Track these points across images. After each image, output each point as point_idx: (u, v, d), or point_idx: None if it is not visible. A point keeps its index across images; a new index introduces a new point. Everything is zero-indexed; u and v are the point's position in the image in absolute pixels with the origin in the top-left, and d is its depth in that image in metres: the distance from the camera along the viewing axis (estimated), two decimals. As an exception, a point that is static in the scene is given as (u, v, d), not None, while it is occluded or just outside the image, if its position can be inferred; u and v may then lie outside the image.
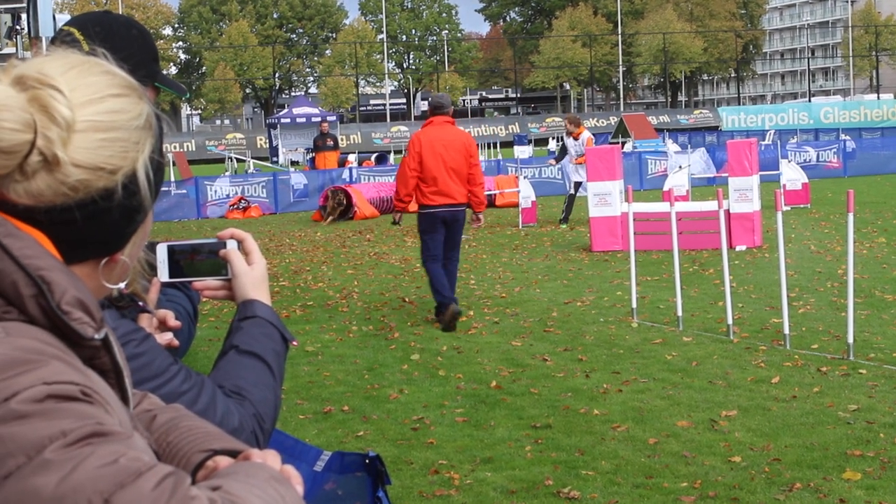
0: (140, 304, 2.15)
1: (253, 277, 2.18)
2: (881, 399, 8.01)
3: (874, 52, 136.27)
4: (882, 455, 6.72)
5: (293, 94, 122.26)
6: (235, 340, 2.14)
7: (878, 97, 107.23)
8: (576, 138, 22.20)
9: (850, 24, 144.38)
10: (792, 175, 24.78)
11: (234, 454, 1.57)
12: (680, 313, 11.22)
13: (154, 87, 2.74)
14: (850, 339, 9.39)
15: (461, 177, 11.94)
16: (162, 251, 2.18)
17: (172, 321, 2.28)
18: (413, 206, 12.44)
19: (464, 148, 12.01)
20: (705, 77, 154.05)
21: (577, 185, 22.30)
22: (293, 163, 49.03)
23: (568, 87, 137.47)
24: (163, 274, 2.19)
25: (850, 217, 9.40)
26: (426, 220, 12.01)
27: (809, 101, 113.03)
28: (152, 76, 2.71)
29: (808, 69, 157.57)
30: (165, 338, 2.24)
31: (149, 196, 1.54)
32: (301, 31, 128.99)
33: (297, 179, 31.04)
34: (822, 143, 40.40)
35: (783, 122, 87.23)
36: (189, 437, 1.66)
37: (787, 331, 10.03)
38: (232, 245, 2.19)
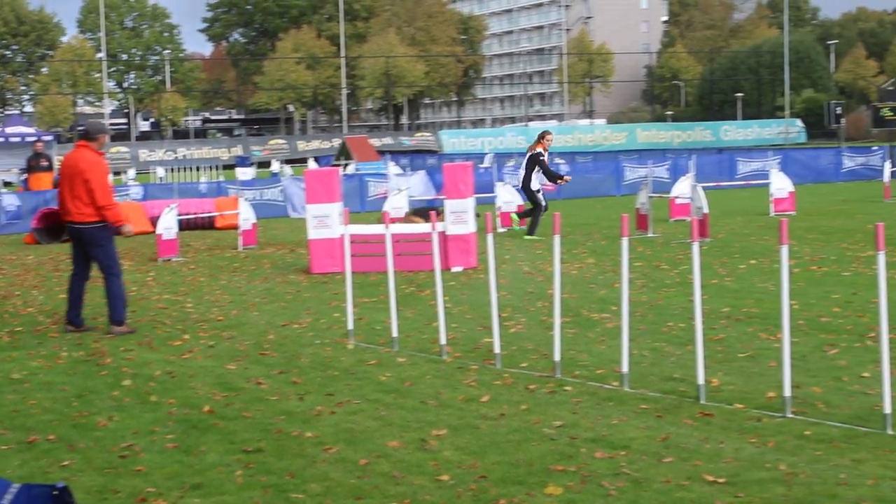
0: None
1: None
2: (584, 415, 8.29)
3: (587, 79, 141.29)
4: (583, 469, 6.95)
5: (7, 112, 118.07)
6: None
7: (592, 122, 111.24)
8: (545, 148, 23.17)
9: (564, 52, 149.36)
10: (507, 197, 25.43)
11: None
12: (395, 334, 11.35)
13: None
14: (557, 358, 9.69)
15: (80, 198, 12.83)
16: None
17: None
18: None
19: (79, 172, 12.84)
20: (427, 100, 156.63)
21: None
22: (6, 184, 47.43)
23: (292, 108, 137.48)
24: None
25: (557, 239, 9.72)
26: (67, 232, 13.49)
27: (527, 125, 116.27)
28: None
29: (526, 94, 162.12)
30: None
31: None
32: (16, 47, 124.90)
33: (10, 201, 30.02)
34: (538, 166, 41.53)
35: (502, 146, 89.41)
36: None
37: (497, 350, 10.28)
38: None
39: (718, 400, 8.59)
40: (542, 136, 23.51)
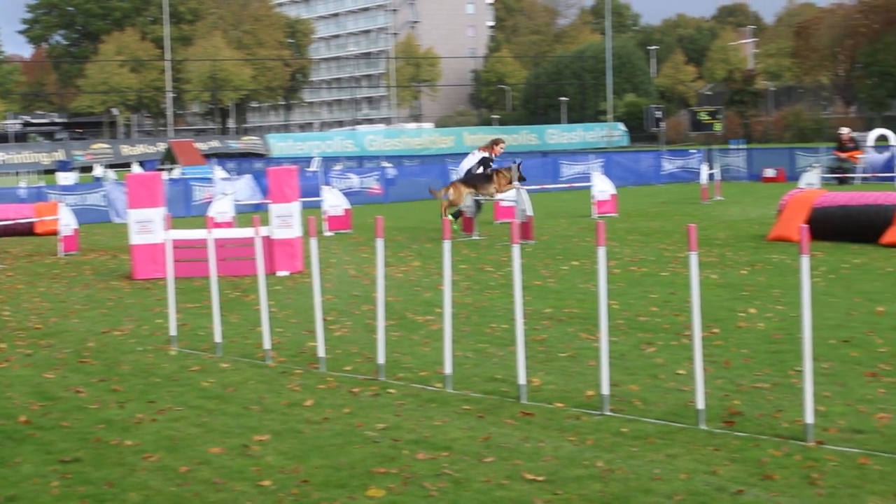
0: None
1: None
2: (407, 417, 8.33)
3: (415, 83, 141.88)
4: (405, 471, 6.98)
5: None
6: None
7: (419, 126, 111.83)
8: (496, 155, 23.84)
9: (391, 56, 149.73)
10: (334, 201, 25.42)
11: None
12: (219, 340, 11.24)
13: None
14: (381, 360, 9.72)
15: None
16: None
17: None
18: None
19: None
20: (255, 104, 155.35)
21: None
22: None
23: (116, 112, 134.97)
24: None
25: (380, 242, 9.73)
26: None
27: (355, 129, 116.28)
28: None
29: (354, 98, 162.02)
30: None
31: None
32: None
33: None
34: (365, 169, 41.73)
35: (330, 150, 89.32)
36: None
37: (322, 354, 10.26)
38: None
39: (539, 399, 8.72)
40: (495, 143, 24.26)
